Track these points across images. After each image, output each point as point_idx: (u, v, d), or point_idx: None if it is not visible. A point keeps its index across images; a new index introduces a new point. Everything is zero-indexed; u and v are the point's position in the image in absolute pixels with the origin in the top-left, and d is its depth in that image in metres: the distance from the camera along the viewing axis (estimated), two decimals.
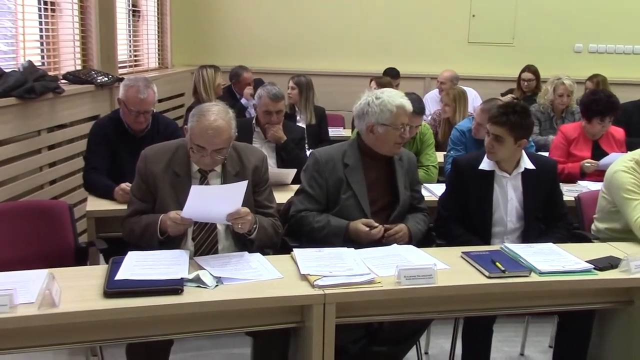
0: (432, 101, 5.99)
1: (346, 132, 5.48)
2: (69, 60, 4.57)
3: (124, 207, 2.85)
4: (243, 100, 5.54)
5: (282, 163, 3.83)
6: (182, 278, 2.20)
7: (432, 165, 3.98)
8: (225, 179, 2.64)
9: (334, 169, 2.84)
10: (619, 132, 4.26)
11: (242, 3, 6.90)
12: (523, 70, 6.13)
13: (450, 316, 2.59)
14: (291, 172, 3.59)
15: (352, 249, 2.60)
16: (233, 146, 2.67)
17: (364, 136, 2.89)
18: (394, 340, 2.77)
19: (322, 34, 6.86)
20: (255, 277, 2.32)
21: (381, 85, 4.96)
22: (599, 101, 4.07)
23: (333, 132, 5.35)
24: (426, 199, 3.18)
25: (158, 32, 6.59)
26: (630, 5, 6.84)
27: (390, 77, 5.91)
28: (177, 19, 6.74)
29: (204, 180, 2.64)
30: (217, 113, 2.56)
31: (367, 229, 2.74)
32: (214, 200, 2.41)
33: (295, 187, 3.05)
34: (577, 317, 2.70)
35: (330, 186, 2.84)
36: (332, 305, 2.23)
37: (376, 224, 2.76)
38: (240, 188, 2.42)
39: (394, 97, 2.83)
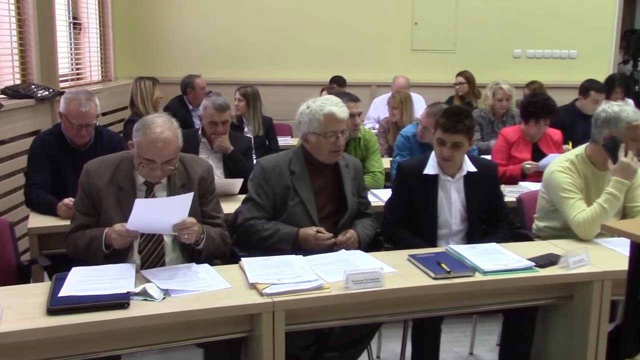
0: (381, 106, 6.07)
1: (294, 142, 5.50)
2: (8, 75, 4.46)
3: (68, 222, 2.79)
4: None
5: (229, 173, 3.83)
6: (128, 292, 2.18)
7: (378, 171, 4.03)
8: (172, 191, 2.63)
9: (281, 176, 2.86)
10: (556, 134, 4.42)
11: (186, 13, 6.86)
12: (458, 75, 6.32)
13: (399, 318, 2.63)
14: (238, 182, 3.59)
15: (301, 256, 2.63)
16: (179, 157, 2.66)
17: (304, 144, 2.93)
18: (345, 345, 2.79)
19: (268, 44, 6.88)
20: (203, 287, 2.31)
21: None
22: (535, 104, 4.22)
23: (282, 141, 5.36)
24: (373, 204, 3.23)
25: (100, 44, 6.49)
26: (565, 12, 7.10)
27: (337, 85, 5.98)
28: (120, 31, 6.66)
29: (150, 193, 2.62)
30: (163, 124, 2.54)
31: (315, 231, 2.76)
32: (159, 213, 2.40)
33: (243, 197, 3.06)
34: (521, 314, 2.78)
35: (277, 194, 2.85)
36: (281, 312, 2.24)
37: (325, 232, 2.78)
38: (185, 200, 2.41)
39: (324, 105, 2.85)
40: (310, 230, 2.78)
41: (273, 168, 2.88)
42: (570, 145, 4.52)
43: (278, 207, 2.86)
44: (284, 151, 3.15)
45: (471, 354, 3.49)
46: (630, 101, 6.09)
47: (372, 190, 3.67)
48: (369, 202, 3.13)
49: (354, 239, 2.84)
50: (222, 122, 3.82)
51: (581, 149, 3.16)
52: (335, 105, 2.86)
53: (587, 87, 5.43)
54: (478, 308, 2.68)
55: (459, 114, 2.94)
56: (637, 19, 9.65)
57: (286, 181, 2.86)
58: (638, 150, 3.00)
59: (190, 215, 2.47)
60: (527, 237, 3.19)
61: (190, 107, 5.61)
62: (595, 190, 3.05)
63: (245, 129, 5.07)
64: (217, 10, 6.83)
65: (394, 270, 2.53)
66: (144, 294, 2.19)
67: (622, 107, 3.01)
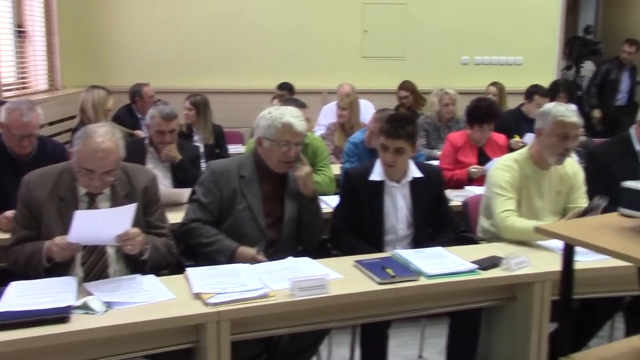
0: (331, 112, 6.09)
1: (245, 149, 5.49)
2: None
3: (8, 235, 2.72)
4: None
5: (177, 183, 3.80)
6: (68, 306, 2.14)
7: (328, 177, 4.06)
8: (115, 201, 2.59)
9: (229, 180, 2.86)
10: (501, 138, 4.53)
11: (135, 21, 6.77)
12: (400, 88, 6.35)
13: (346, 324, 2.65)
14: (186, 192, 3.56)
15: (248, 265, 2.63)
16: (122, 167, 2.63)
17: (257, 148, 2.93)
18: (294, 352, 2.80)
19: (218, 52, 6.83)
20: (147, 299, 2.28)
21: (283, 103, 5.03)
22: (479, 109, 4.34)
23: (232, 149, 5.34)
24: (322, 210, 3.25)
25: (47, 52, 6.36)
26: (511, 20, 7.26)
27: (286, 91, 6.02)
28: (67, 39, 6.53)
29: (92, 204, 2.58)
30: (104, 134, 2.51)
31: (255, 253, 2.76)
32: (101, 224, 2.37)
33: None
34: (466, 316, 2.83)
35: (225, 197, 2.85)
36: (226, 322, 2.23)
37: (264, 257, 2.78)
38: (128, 210, 2.38)
39: (284, 114, 2.87)
40: (252, 251, 2.77)
41: (222, 171, 2.89)
42: (517, 137, 4.67)
43: (224, 211, 2.86)
44: (236, 156, 3.15)
45: (420, 357, 3.53)
46: (573, 106, 6.29)
47: (321, 197, 3.69)
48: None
49: None
50: (170, 131, 3.79)
51: (524, 150, 3.24)
52: (295, 117, 2.88)
53: (532, 92, 5.65)
54: (424, 311, 2.73)
55: (401, 120, 2.98)
56: (580, 26, 9.95)
57: (234, 185, 2.86)
58: (566, 150, 3.07)
59: (134, 225, 2.44)
60: (472, 241, 3.25)
61: (139, 115, 5.54)
62: (535, 190, 3.14)
63: (195, 138, 5.04)
64: (166, 18, 6.75)
65: (340, 276, 2.55)
66: (85, 307, 2.16)
67: (558, 105, 3.11)
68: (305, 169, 2.90)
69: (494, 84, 6.53)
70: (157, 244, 2.62)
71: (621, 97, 7.40)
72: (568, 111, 3.05)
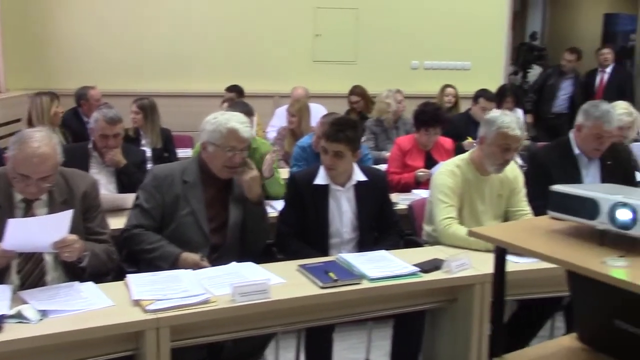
0: (283, 116, 6.09)
1: (192, 153, 5.44)
2: None
3: None
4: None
5: (122, 188, 3.73)
6: (1, 315, 2.08)
7: (278, 182, 4.06)
8: (52, 207, 2.54)
9: (172, 185, 2.84)
10: (448, 142, 4.60)
11: (81, 22, 6.61)
12: (350, 93, 6.36)
13: (289, 329, 2.65)
14: (131, 197, 3.49)
15: (190, 270, 2.60)
16: (60, 172, 2.58)
17: (202, 152, 2.91)
18: (238, 357, 2.78)
19: (166, 54, 6.73)
20: (85, 307, 2.24)
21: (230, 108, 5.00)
22: (425, 113, 4.39)
23: (182, 153, 5.27)
24: (269, 215, 3.25)
25: None
26: (460, 25, 7.39)
27: (237, 94, 5.99)
28: (10, 40, 6.36)
29: (28, 210, 2.52)
30: (41, 139, 2.46)
31: (198, 259, 2.74)
32: (37, 231, 2.31)
33: None
34: (410, 318, 2.87)
35: (167, 203, 2.82)
36: (166, 329, 2.21)
37: (207, 263, 2.76)
38: (64, 217, 2.34)
39: (230, 120, 2.86)
40: (195, 256, 2.75)
41: (165, 176, 2.86)
42: (470, 139, 4.75)
43: (167, 216, 2.83)
44: (179, 161, 3.12)
45: (367, 359, 3.55)
46: (520, 111, 6.45)
47: (268, 201, 3.69)
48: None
49: None
50: (114, 135, 3.72)
51: (466, 154, 3.30)
52: (241, 124, 2.87)
53: (478, 95, 5.80)
54: (368, 314, 2.74)
55: (342, 123, 3.01)
56: (527, 33, 10.22)
57: (177, 190, 2.83)
58: (505, 161, 3.12)
59: (72, 232, 2.40)
60: (417, 244, 3.29)
61: (85, 119, 5.43)
62: (476, 195, 3.19)
63: (143, 142, 4.97)
64: (113, 19, 6.62)
65: (283, 280, 2.55)
66: (19, 316, 2.11)
67: (504, 115, 3.15)
68: (252, 173, 2.89)
69: (449, 86, 6.64)
70: (97, 250, 2.57)
71: (560, 104, 7.51)
72: (512, 123, 3.05)
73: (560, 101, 7.47)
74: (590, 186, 1.81)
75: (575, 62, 7.38)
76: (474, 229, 1.87)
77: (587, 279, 1.59)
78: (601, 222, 1.67)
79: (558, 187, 1.80)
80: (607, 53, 7.66)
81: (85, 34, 6.59)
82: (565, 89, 7.41)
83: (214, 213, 2.89)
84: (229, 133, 2.82)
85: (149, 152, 4.88)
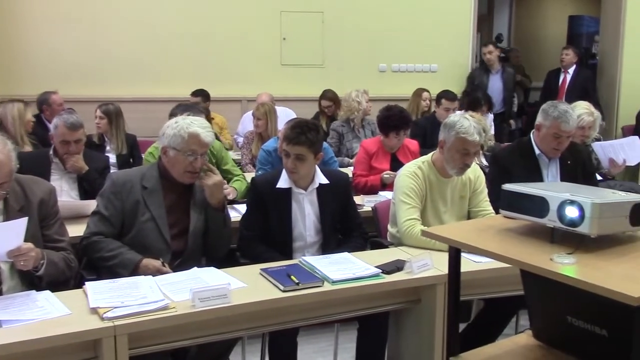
0: (250, 121, 6.08)
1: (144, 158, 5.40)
2: None
3: None
4: None
5: (84, 194, 3.69)
6: None
7: (241, 175, 4.06)
8: (9, 215, 2.49)
9: (132, 191, 2.81)
10: (413, 144, 4.63)
11: (43, 26, 6.46)
12: (322, 98, 6.36)
13: (251, 333, 2.63)
14: (92, 204, 3.45)
15: (150, 277, 2.58)
16: (16, 179, 2.54)
17: (162, 157, 2.89)
18: None
19: (131, 59, 6.66)
20: (40, 316, 2.20)
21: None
22: (392, 117, 4.40)
23: None
24: (232, 219, 3.24)
25: None
26: (426, 28, 7.44)
27: (203, 98, 5.98)
28: None
29: None
30: None
31: (159, 264, 2.72)
32: None
33: None
34: (374, 320, 2.87)
35: (127, 209, 2.79)
36: (124, 336, 2.18)
37: (169, 269, 2.74)
38: (19, 225, 2.30)
39: (191, 124, 2.84)
40: (156, 262, 2.73)
41: (124, 182, 2.83)
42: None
43: (127, 223, 2.80)
44: (139, 166, 3.10)
45: None
46: (491, 116, 6.51)
47: (233, 205, 3.70)
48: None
49: None
50: (75, 141, 3.68)
51: (429, 156, 3.32)
52: (202, 128, 2.85)
53: (440, 96, 5.87)
54: (331, 317, 2.73)
55: (302, 126, 3.00)
56: (494, 35, 10.34)
57: (137, 196, 2.80)
58: (465, 165, 3.14)
59: (28, 240, 2.36)
60: (382, 245, 3.30)
61: (49, 124, 5.35)
62: (438, 196, 3.22)
63: (108, 148, 4.93)
64: (76, 23, 6.51)
65: (245, 285, 2.54)
66: None
67: (464, 118, 3.17)
68: (214, 178, 2.87)
69: (425, 90, 6.67)
70: (54, 258, 2.53)
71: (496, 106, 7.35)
72: (471, 128, 3.07)
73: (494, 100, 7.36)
74: (541, 185, 1.83)
75: (497, 56, 7.28)
76: (427, 229, 1.89)
77: (538, 276, 1.61)
78: (550, 220, 1.69)
79: (509, 186, 1.82)
80: (568, 54, 7.77)
81: (47, 39, 6.47)
82: (493, 87, 7.22)
83: (174, 219, 2.87)
84: (190, 137, 2.80)
85: (113, 158, 4.85)
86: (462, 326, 3.36)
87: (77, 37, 6.53)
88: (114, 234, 2.79)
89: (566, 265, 1.55)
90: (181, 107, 3.94)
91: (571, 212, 1.64)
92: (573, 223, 1.64)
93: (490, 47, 7.34)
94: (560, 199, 1.67)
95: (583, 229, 1.62)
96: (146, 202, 2.81)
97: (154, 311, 2.26)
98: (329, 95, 6.34)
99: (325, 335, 3.67)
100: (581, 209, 1.62)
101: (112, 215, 2.79)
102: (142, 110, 6.19)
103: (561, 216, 1.66)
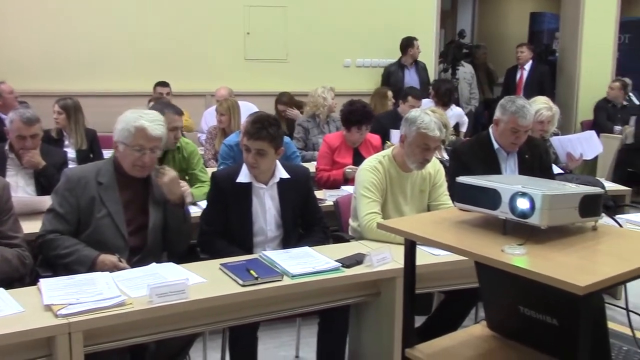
0: (212, 116, 6.04)
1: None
2: None
3: None
4: None
5: (42, 190, 3.62)
6: None
7: (207, 182, 4.01)
8: None
9: (87, 187, 2.76)
10: (375, 139, 4.65)
11: None
12: (277, 103, 6.27)
13: (211, 328, 2.62)
14: (48, 200, 3.39)
15: (107, 273, 2.54)
16: None
17: (115, 152, 2.85)
18: (162, 359, 2.74)
19: (92, 53, 6.52)
20: None
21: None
22: (355, 112, 4.42)
23: (108, 154, 5.13)
24: (193, 214, 3.22)
25: None
26: (390, 24, 7.47)
27: (166, 87, 5.95)
28: None
29: None
30: None
31: (116, 259, 2.68)
32: None
33: None
34: (335, 314, 2.88)
35: (82, 206, 2.74)
36: (78, 333, 2.14)
37: (125, 264, 2.70)
38: None
39: (139, 118, 2.79)
40: (113, 257, 2.69)
41: (79, 178, 2.78)
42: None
43: (83, 219, 2.75)
44: (94, 162, 3.05)
45: (297, 357, 3.55)
46: (458, 110, 6.58)
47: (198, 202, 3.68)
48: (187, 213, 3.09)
49: None
50: (31, 135, 3.60)
51: (389, 150, 3.34)
52: (151, 122, 2.79)
53: (406, 94, 5.89)
54: (291, 311, 2.73)
55: (263, 121, 2.99)
56: (457, 31, 10.44)
57: (92, 192, 2.76)
58: (425, 160, 3.16)
59: None
60: (343, 239, 3.31)
61: (3, 116, 5.23)
62: (399, 190, 3.24)
63: (67, 143, 4.84)
64: (32, 15, 6.34)
65: (204, 280, 2.52)
66: None
67: (425, 115, 3.19)
68: (170, 174, 2.84)
69: (388, 89, 6.67)
70: (8, 255, 2.49)
71: None
72: (432, 123, 3.09)
73: None
74: (494, 177, 1.85)
75: (413, 53, 7.30)
76: (383, 222, 1.90)
77: (491, 267, 1.63)
78: (502, 212, 1.72)
79: (463, 179, 1.84)
80: (523, 52, 7.92)
81: (1, 31, 6.31)
82: (410, 82, 7.22)
83: (132, 215, 2.83)
84: (137, 131, 2.76)
85: (73, 154, 4.76)
86: (424, 319, 3.42)
87: (35, 30, 6.37)
88: (70, 231, 2.74)
89: (516, 256, 1.57)
90: (158, 106, 3.86)
91: (522, 204, 1.67)
92: (524, 214, 1.66)
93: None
94: (511, 191, 1.69)
95: (533, 220, 1.65)
96: (102, 198, 2.76)
97: (109, 307, 2.23)
98: (284, 100, 6.25)
99: (287, 330, 3.68)
100: (532, 200, 1.65)
101: (67, 213, 2.73)
102: (103, 104, 6.07)
103: (513, 208, 1.69)
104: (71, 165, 4.31)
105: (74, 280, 2.44)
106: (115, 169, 2.84)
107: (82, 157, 4.78)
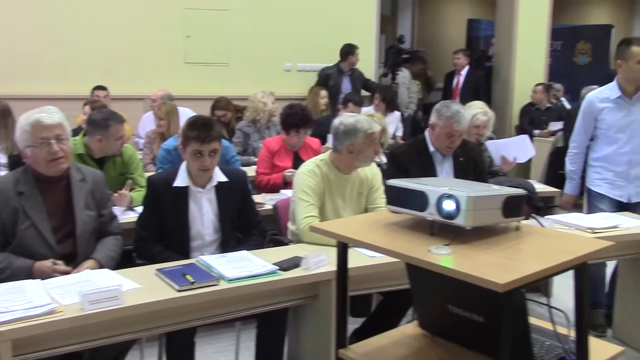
0: (149, 121, 5.96)
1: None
2: None
3: None
4: None
5: None
6: None
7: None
8: None
9: (7, 199, 2.67)
10: (315, 142, 4.69)
11: None
12: (214, 108, 6.13)
13: (147, 334, 2.58)
14: None
15: (38, 280, 2.48)
16: None
17: (27, 160, 2.79)
18: None
19: (26, 55, 6.33)
20: None
21: (94, 109, 4.81)
22: (294, 115, 4.44)
23: None
24: (131, 219, 3.18)
25: None
26: (331, 29, 7.53)
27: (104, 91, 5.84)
28: None
29: None
30: None
31: (51, 264, 2.63)
32: None
33: None
34: (273, 317, 2.89)
35: (5, 218, 2.66)
36: (7, 343, 2.09)
37: (62, 265, 2.65)
38: None
39: (30, 115, 2.74)
40: (48, 262, 2.63)
41: None
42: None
43: (8, 232, 2.67)
44: (10, 172, 2.96)
45: None
46: (398, 113, 6.70)
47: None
48: (112, 217, 3.04)
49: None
50: None
51: (327, 154, 3.37)
52: (44, 113, 2.75)
53: (348, 99, 5.95)
54: (229, 316, 2.72)
55: (206, 124, 3.02)
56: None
57: (14, 204, 2.67)
58: (376, 152, 3.27)
59: None
60: (282, 243, 3.32)
61: None
62: (337, 193, 3.28)
63: None
64: None
65: (139, 286, 2.49)
66: None
67: (357, 118, 3.25)
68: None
69: (323, 88, 6.71)
70: None
71: None
72: (369, 122, 3.21)
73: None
74: (422, 180, 1.91)
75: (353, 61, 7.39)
76: (316, 224, 1.92)
77: (420, 268, 1.68)
78: (430, 213, 1.77)
79: (393, 182, 1.89)
80: (459, 58, 8.16)
81: None
82: (346, 87, 7.33)
83: (59, 222, 2.76)
84: (33, 127, 2.71)
85: (4, 159, 4.60)
86: (362, 320, 3.46)
87: None
88: None
89: (442, 256, 1.62)
90: (100, 118, 3.78)
91: (448, 206, 1.72)
92: (450, 216, 1.72)
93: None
94: (438, 193, 1.75)
95: (459, 221, 1.71)
96: (24, 208, 2.68)
97: (39, 315, 2.18)
98: (221, 105, 6.14)
99: (227, 335, 3.66)
100: (457, 202, 1.71)
101: None
102: (34, 108, 5.90)
103: (439, 209, 1.74)
104: (2, 172, 4.17)
105: (3, 288, 2.37)
106: (33, 177, 2.76)
107: (14, 162, 4.61)
